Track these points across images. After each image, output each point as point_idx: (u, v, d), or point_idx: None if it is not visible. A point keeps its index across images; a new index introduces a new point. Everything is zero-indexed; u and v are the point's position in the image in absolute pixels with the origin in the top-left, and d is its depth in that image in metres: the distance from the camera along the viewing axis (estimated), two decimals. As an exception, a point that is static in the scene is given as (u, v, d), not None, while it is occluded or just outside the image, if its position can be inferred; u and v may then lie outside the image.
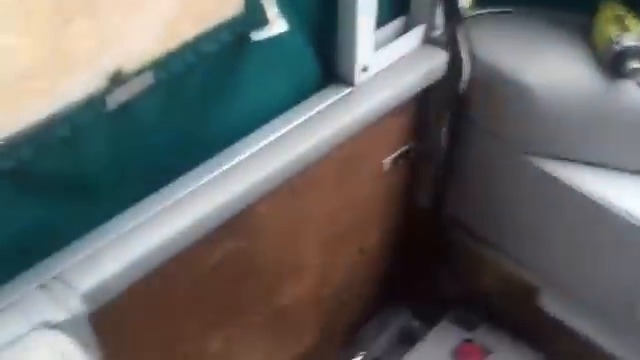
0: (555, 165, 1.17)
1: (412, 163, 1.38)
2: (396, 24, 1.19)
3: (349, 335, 1.50)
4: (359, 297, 1.50)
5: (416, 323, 1.52)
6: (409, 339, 1.47)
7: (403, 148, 1.33)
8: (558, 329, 1.29)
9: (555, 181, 1.17)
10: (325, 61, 1.10)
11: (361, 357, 1.47)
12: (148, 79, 0.82)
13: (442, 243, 1.47)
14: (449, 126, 1.28)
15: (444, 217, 1.44)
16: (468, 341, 1.40)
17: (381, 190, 1.37)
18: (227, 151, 1.00)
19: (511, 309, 1.38)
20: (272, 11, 0.90)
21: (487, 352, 1.38)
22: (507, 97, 1.17)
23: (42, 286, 0.82)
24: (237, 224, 1.04)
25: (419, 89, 1.20)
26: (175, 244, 0.92)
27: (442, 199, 1.42)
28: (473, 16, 1.22)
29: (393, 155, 1.32)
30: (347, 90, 1.11)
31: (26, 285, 0.82)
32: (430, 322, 1.48)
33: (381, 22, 1.13)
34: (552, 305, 1.29)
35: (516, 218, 1.30)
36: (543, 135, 1.17)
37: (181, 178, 0.96)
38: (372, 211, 1.39)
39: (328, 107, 1.08)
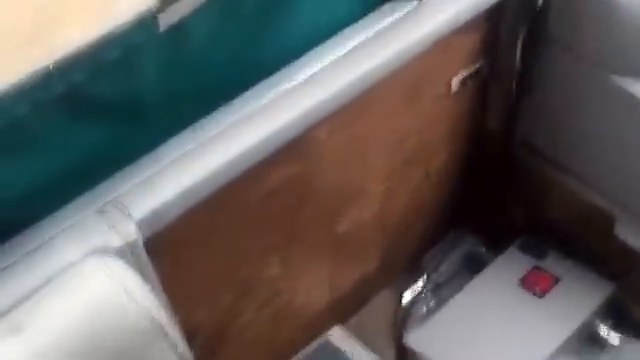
0: (641, 86, 1.09)
1: (482, 83, 1.31)
2: None
3: (413, 260, 1.48)
4: (424, 222, 1.46)
5: (483, 249, 1.47)
6: (475, 266, 1.44)
7: (473, 67, 1.26)
8: (633, 259, 1.23)
9: None
10: (388, -26, 1.03)
11: (424, 282, 1.44)
12: (200, -2, 0.78)
13: (512, 167, 1.41)
14: (524, 43, 1.20)
15: (515, 140, 1.38)
16: (537, 269, 1.35)
17: (449, 112, 1.31)
18: (284, 72, 0.95)
19: (584, 237, 1.32)
20: None
21: (556, 280, 1.33)
22: (590, 11, 1.08)
23: (97, 212, 0.81)
24: (295, 149, 1.00)
25: (492, 2, 1.12)
26: (231, 169, 0.90)
27: (514, 121, 1.35)
28: None
29: (462, 75, 1.25)
30: (412, 4, 1.03)
31: (81, 211, 0.80)
32: (497, 249, 1.44)
33: None
34: (628, 234, 1.23)
35: (594, 142, 1.23)
36: (629, 53, 1.08)
37: (235, 101, 0.92)
38: (439, 134, 1.33)
39: (392, 24, 1.01)
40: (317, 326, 1.37)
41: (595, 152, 1.23)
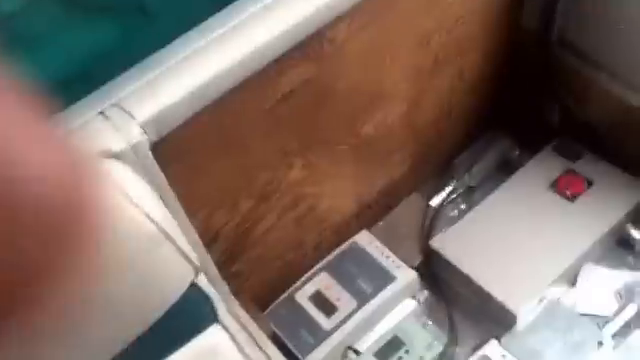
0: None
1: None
2: None
3: (444, 165, 1.44)
4: (457, 125, 1.42)
5: (516, 152, 1.43)
6: (508, 168, 1.40)
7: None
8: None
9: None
10: None
11: (454, 186, 1.41)
12: None
13: (549, 67, 1.35)
14: None
15: (552, 39, 1.30)
16: (570, 171, 1.31)
17: (481, 8, 1.24)
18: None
19: (619, 139, 1.27)
20: None
21: (589, 183, 1.29)
22: None
23: (100, 114, 0.80)
24: (310, 49, 0.97)
25: None
26: (239, 71, 0.87)
27: (551, 19, 1.27)
28: None
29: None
30: None
31: (83, 114, 0.79)
32: (531, 151, 1.39)
33: None
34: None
35: (632, 39, 1.15)
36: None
37: None
38: (471, 33, 1.27)
39: None
40: (344, 231, 1.36)
41: (634, 50, 1.16)
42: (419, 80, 1.23)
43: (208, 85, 0.85)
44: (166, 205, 0.85)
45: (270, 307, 1.31)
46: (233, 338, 0.94)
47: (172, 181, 0.89)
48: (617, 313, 1.18)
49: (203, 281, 0.88)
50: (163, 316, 0.80)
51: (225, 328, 0.91)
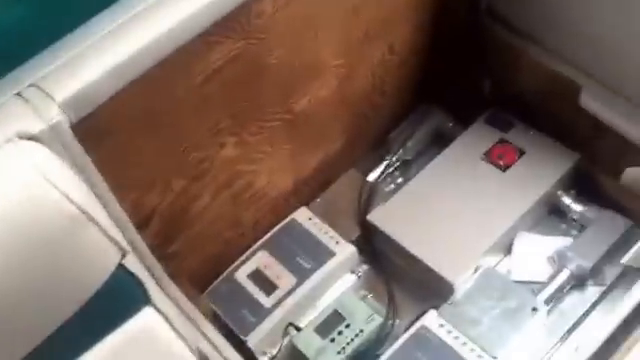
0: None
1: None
2: None
3: (379, 139, 1.44)
4: (390, 99, 1.42)
5: (450, 124, 1.44)
6: (442, 141, 1.41)
7: None
8: (598, 128, 1.20)
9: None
10: None
11: (390, 160, 1.41)
12: None
13: (479, 38, 1.36)
14: None
15: (481, 9, 1.31)
16: (502, 142, 1.33)
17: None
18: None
19: (549, 108, 1.29)
20: None
21: (521, 152, 1.31)
22: None
23: (17, 95, 0.77)
24: (237, 24, 0.96)
25: None
26: (162, 46, 0.85)
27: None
28: None
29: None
30: None
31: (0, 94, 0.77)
32: (465, 123, 1.40)
33: None
34: (593, 103, 1.19)
35: (560, 9, 1.17)
36: None
37: None
38: (400, 5, 1.27)
39: None
40: (282, 209, 1.35)
41: (561, 19, 1.18)
42: (350, 53, 1.22)
43: (130, 62, 0.83)
44: (91, 186, 0.83)
45: (210, 287, 1.30)
46: (168, 320, 0.93)
47: (99, 162, 0.87)
48: (551, 279, 1.20)
49: (133, 263, 0.86)
50: (91, 300, 0.78)
51: (158, 310, 0.90)
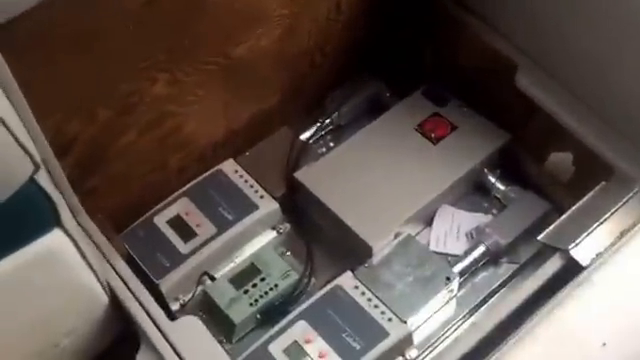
0: None
1: None
2: None
3: (315, 101, 1.43)
4: (331, 61, 1.41)
5: (387, 94, 1.44)
6: (377, 110, 1.41)
7: None
8: (531, 110, 1.22)
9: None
10: None
11: (324, 123, 1.40)
12: None
13: (424, 11, 1.36)
14: None
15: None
16: (436, 115, 1.34)
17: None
18: None
19: (486, 86, 1.30)
20: None
21: (453, 127, 1.32)
22: None
23: None
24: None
25: None
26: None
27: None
28: None
29: None
30: None
31: None
32: (402, 95, 1.40)
33: None
34: (528, 83, 1.21)
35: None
36: None
37: None
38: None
39: None
40: (209, 158, 1.33)
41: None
42: (295, 5, 1.21)
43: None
44: (7, 95, 0.79)
45: (126, 229, 1.27)
46: (78, 247, 0.90)
47: (18, 73, 0.83)
48: (467, 253, 1.22)
49: (45, 181, 0.83)
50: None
51: (68, 234, 0.87)
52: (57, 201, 0.86)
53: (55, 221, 0.86)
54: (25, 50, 0.85)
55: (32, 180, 0.77)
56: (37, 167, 0.75)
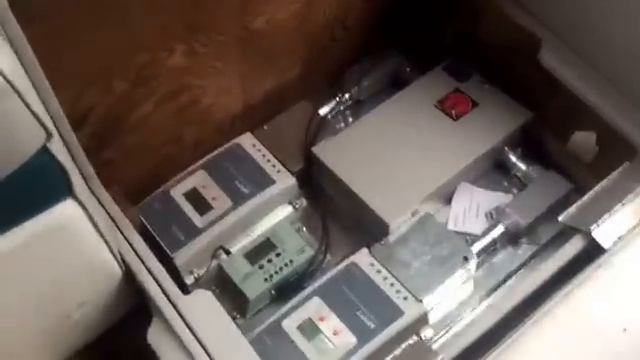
0: None
1: None
2: None
3: (335, 75, 1.41)
4: (351, 36, 1.38)
5: (408, 69, 1.42)
6: (398, 85, 1.38)
7: None
8: (554, 88, 1.19)
9: None
10: None
11: (343, 97, 1.38)
12: None
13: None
14: None
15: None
16: (457, 91, 1.31)
17: None
18: None
19: (509, 63, 1.27)
20: None
21: (474, 104, 1.29)
22: None
23: None
24: None
25: None
26: None
27: None
28: None
29: None
30: None
31: None
32: (423, 70, 1.38)
33: None
34: (552, 60, 1.18)
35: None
36: None
37: None
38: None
39: None
40: (227, 131, 1.32)
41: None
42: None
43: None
44: (23, 65, 0.78)
45: (142, 201, 1.26)
46: (91, 218, 0.89)
47: (35, 43, 0.82)
48: (485, 233, 1.20)
49: (59, 150, 0.82)
50: (9, 182, 0.74)
51: (81, 204, 0.86)
52: (70, 171, 0.85)
53: (68, 191, 0.85)
54: (42, 20, 0.84)
55: (45, 149, 0.76)
56: (50, 135, 0.74)
